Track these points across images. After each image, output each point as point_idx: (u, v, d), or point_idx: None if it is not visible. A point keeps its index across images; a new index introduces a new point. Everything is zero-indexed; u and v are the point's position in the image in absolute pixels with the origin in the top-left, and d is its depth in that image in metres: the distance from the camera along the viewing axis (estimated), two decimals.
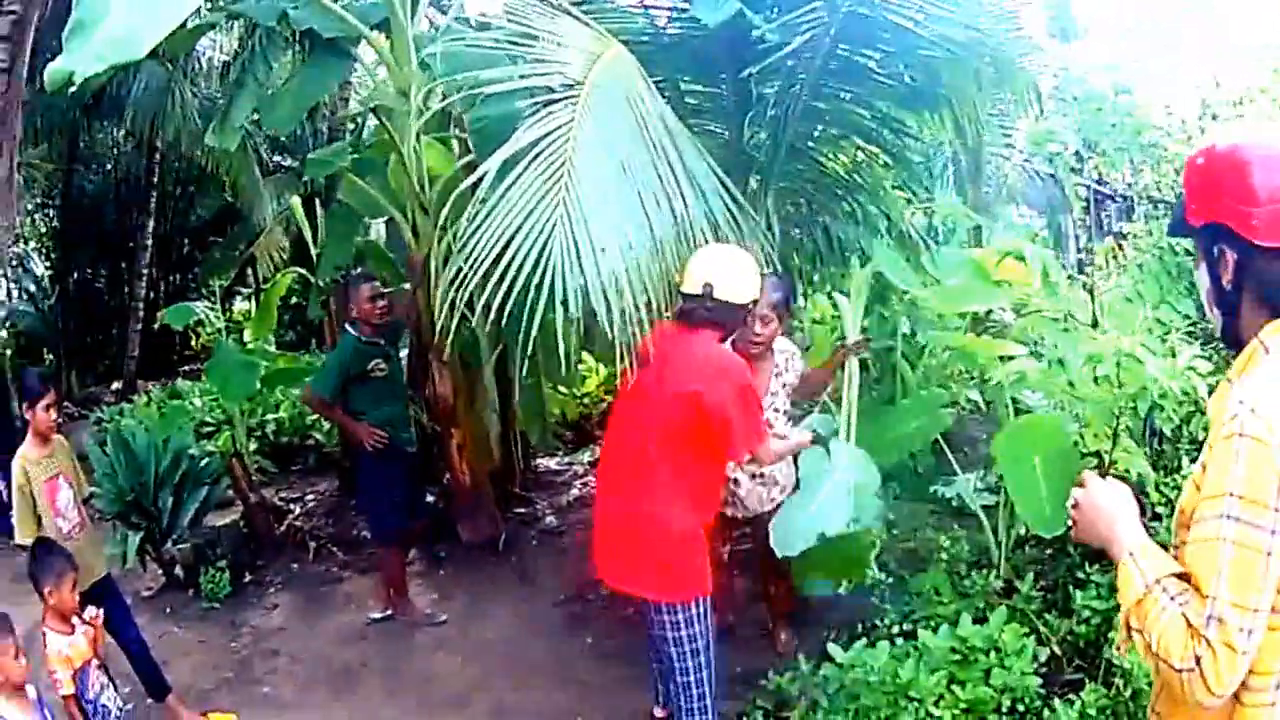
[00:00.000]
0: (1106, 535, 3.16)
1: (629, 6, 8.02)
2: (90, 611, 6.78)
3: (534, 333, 5.40)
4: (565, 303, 5.48)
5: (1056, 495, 6.76)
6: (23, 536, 7.52)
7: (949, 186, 11.08)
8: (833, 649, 6.78)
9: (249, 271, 22.37)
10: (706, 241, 6.39)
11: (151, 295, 23.42)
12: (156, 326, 19.08)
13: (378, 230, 14.22)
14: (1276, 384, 2.88)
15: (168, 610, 10.56)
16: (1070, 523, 3.36)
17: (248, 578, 11.20)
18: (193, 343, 25.49)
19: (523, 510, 12.18)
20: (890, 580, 7.79)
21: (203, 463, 11.51)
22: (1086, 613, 6.85)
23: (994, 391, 7.93)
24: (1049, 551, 7.94)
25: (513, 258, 5.43)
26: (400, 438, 9.75)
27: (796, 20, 6.75)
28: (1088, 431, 7.38)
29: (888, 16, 6.81)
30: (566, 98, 5.84)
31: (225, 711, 8.27)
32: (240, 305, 26.17)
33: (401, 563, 10.19)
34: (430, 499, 11.50)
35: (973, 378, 8.83)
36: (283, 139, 16.42)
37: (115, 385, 22.71)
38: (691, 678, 6.31)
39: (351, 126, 14.43)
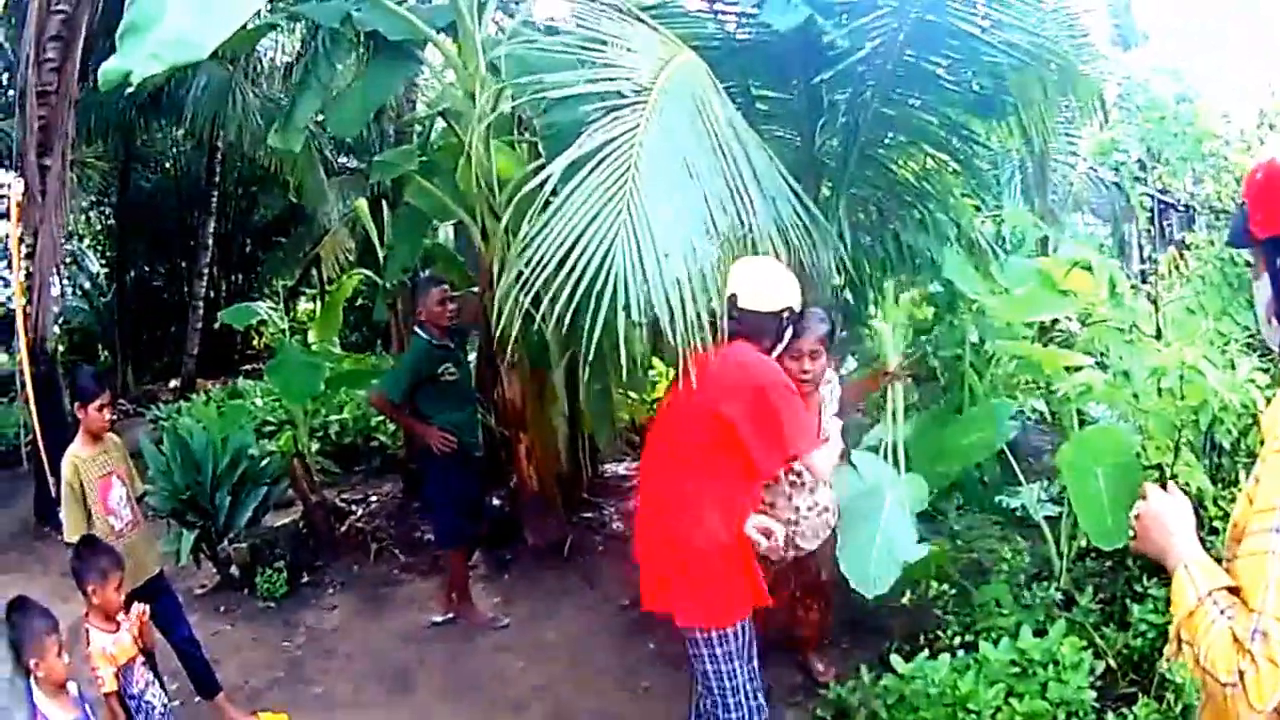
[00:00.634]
0: (1164, 546, 3.15)
1: (699, 11, 7.99)
2: (136, 608, 6.74)
3: (599, 337, 5.35)
4: (628, 307, 5.41)
5: (1118, 508, 6.75)
6: (71, 534, 7.49)
7: (1015, 194, 11.03)
8: (894, 660, 6.78)
9: (313, 272, 22.40)
10: (775, 248, 6.29)
11: (212, 294, 23.52)
12: (217, 326, 19.09)
13: (445, 233, 14.21)
14: None
15: (221, 609, 10.58)
16: (1131, 533, 3.33)
17: (305, 578, 11.17)
18: (254, 342, 25.58)
19: (589, 515, 12.16)
20: (953, 591, 7.77)
21: (262, 462, 11.53)
22: (1143, 626, 6.88)
23: (1059, 402, 7.89)
24: (1109, 564, 7.91)
25: (576, 262, 5.39)
26: (467, 441, 9.71)
27: (866, 26, 6.74)
28: (1150, 444, 7.34)
29: (955, 23, 6.76)
30: (633, 103, 5.81)
31: (276, 711, 8.25)
32: (304, 306, 26.24)
33: (465, 566, 10.15)
34: (496, 502, 11.53)
35: (1038, 388, 8.80)
36: (348, 140, 16.42)
37: (173, 383, 22.84)
38: (728, 712, 5.90)
39: (418, 129, 14.39)
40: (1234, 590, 2.84)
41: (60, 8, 12.77)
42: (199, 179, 23.36)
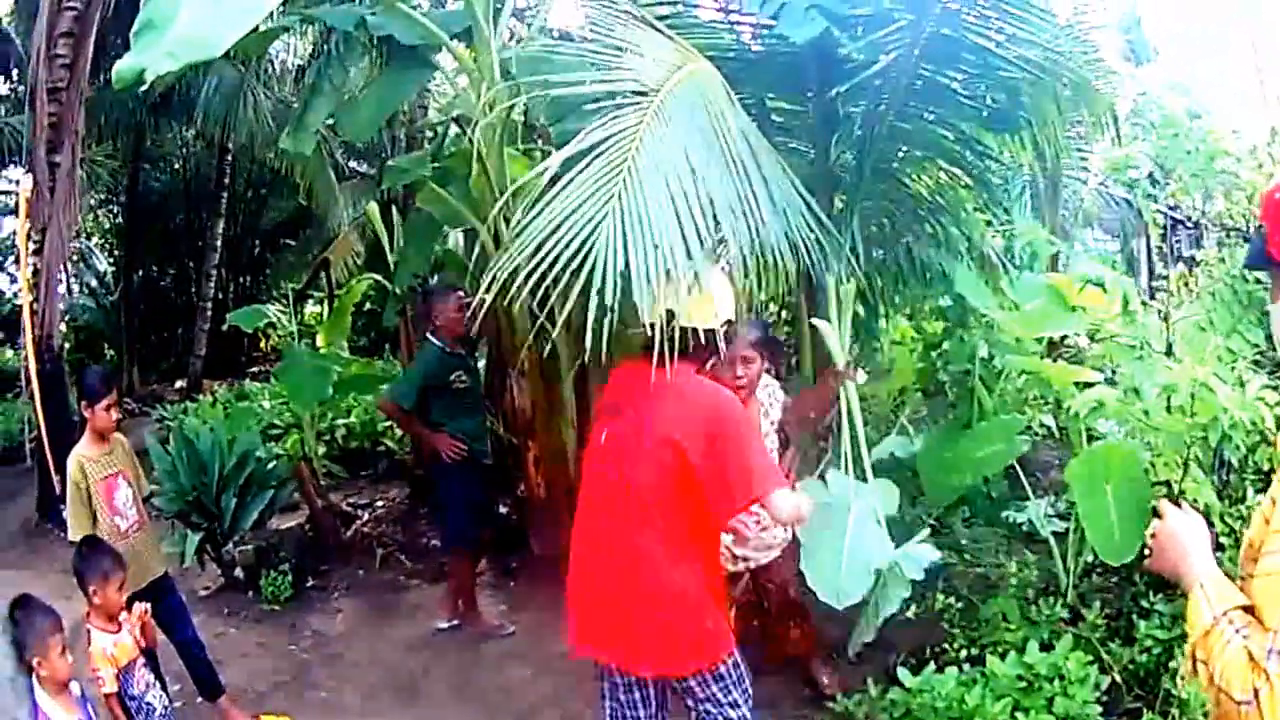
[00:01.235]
0: (1180, 565, 3.15)
1: (714, 22, 7.99)
2: (137, 608, 6.73)
3: (609, 345, 5.31)
4: (613, 307, 5.29)
5: (1127, 524, 6.75)
6: (75, 533, 7.51)
7: (1026, 210, 11.04)
8: (901, 673, 6.78)
9: (321, 276, 22.47)
10: (783, 259, 6.18)
11: (220, 295, 23.58)
12: (225, 327, 19.12)
13: (455, 239, 14.23)
14: None
15: (225, 611, 10.58)
16: (1147, 551, 3.36)
17: (310, 582, 11.19)
18: (261, 344, 25.63)
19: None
20: (960, 605, 7.77)
21: (269, 465, 11.55)
22: (1149, 642, 6.85)
23: (1068, 418, 7.89)
24: (1115, 580, 7.89)
25: (557, 252, 5.32)
26: (477, 449, 9.72)
27: (882, 40, 6.74)
28: (1159, 460, 7.34)
29: (970, 37, 6.76)
30: (636, 103, 5.76)
31: (280, 714, 8.20)
32: (312, 309, 26.29)
33: (472, 573, 10.16)
34: (503, 510, 11.53)
35: (1048, 403, 8.79)
36: (359, 145, 16.44)
37: (179, 384, 22.89)
38: None
39: (430, 135, 14.40)
40: (1249, 609, 2.85)
41: (72, 5, 12.79)
42: (209, 180, 23.43)
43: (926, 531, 6.83)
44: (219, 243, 22.71)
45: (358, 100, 10.85)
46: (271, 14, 8.42)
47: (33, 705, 5.64)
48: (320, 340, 15.36)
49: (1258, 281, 8.60)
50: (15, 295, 25.01)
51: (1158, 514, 3.31)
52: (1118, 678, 6.83)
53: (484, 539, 10.37)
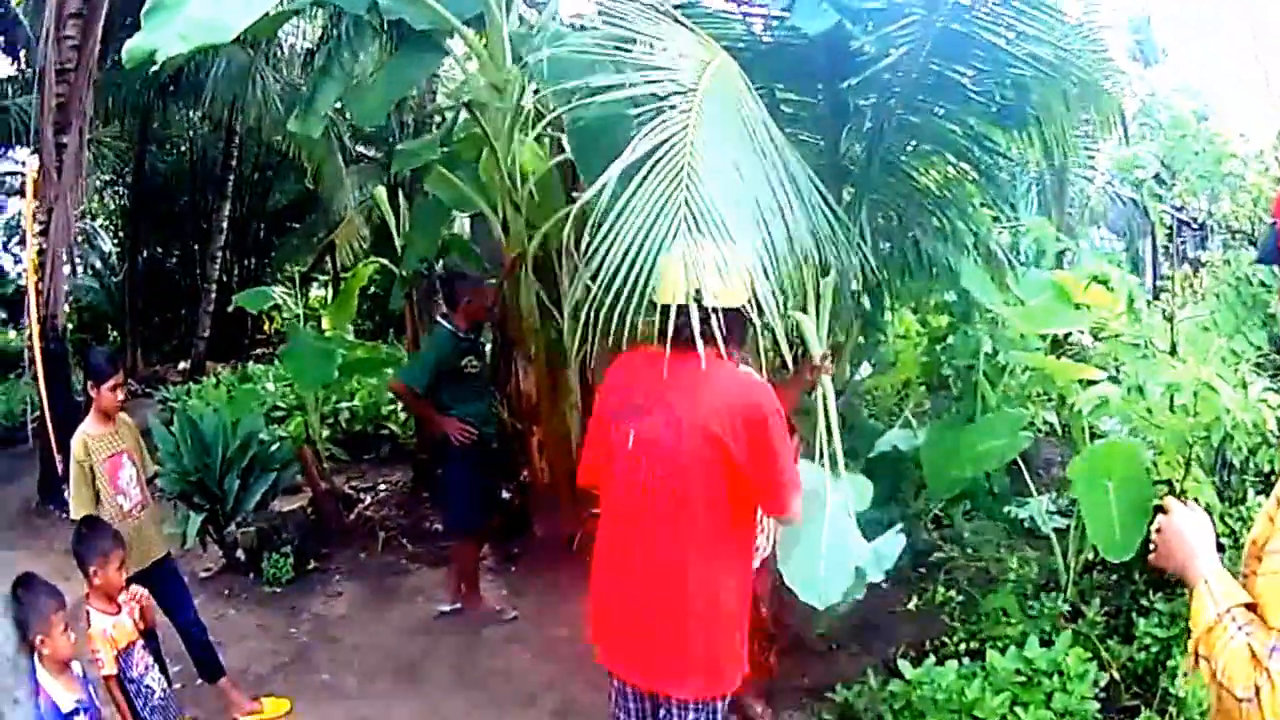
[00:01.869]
0: (1184, 562, 3.17)
1: (725, 12, 7.97)
2: (134, 589, 6.76)
3: (617, 330, 5.21)
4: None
5: (1128, 521, 6.77)
6: (77, 512, 7.48)
7: (1033, 206, 11.04)
8: (902, 665, 6.80)
9: (326, 259, 22.47)
10: (808, 255, 6.08)
11: (224, 278, 23.60)
12: (229, 309, 19.13)
13: (461, 224, 14.22)
14: None
15: (226, 593, 10.61)
16: (1151, 547, 3.35)
17: (312, 565, 11.21)
18: (265, 327, 25.63)
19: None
20: (960, 599, 7.79)
21: (272, 447, 11.57)
22: (1148, 640, 6.91)
23: (1071, 415, 7.91)
24: (1115, 577, 7.93)
25: (642, 266, 5.16)
26: (485, 433, 9.76)
27: (894, 33, 6.73)
28: (1161, 459, 7.35)
29: (981, 34, 6.75)
30: (680, 105, 5.69)
31: (280, 697, 8.28)
32: (316, 292, 26.32)
33: (475, 557, 10.18)
34: (506, 495, 11.54)
35: (1051, 400, 8.81)
36: (366, 129, 16.45)
37: (182, 365, 22.90)
38: None
39: (439, 119, 14.41)
40: (1252, 607, 2.88)
41: None
42: (215, 162, 23.47)
43: (898, 527, 6.68)
44: (224, 225, 22.79)
45: (367, 84, 10.83)
46: None
47: (34, 684, 5.63)
48: (326, 323, 15.35)
49: (1262, 284, 8.62)
50: (20, 276, 25.05)
51: (1162, 510, 3.33)
52: (1116, 675, 6.87)
53: (488, 524, 10.40)
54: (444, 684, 8.59)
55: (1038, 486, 8.34)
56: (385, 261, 13.45)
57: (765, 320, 5.21)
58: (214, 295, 22.50)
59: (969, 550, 8.41)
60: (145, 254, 25.96)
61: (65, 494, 7.90)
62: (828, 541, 6.15)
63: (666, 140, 5.38)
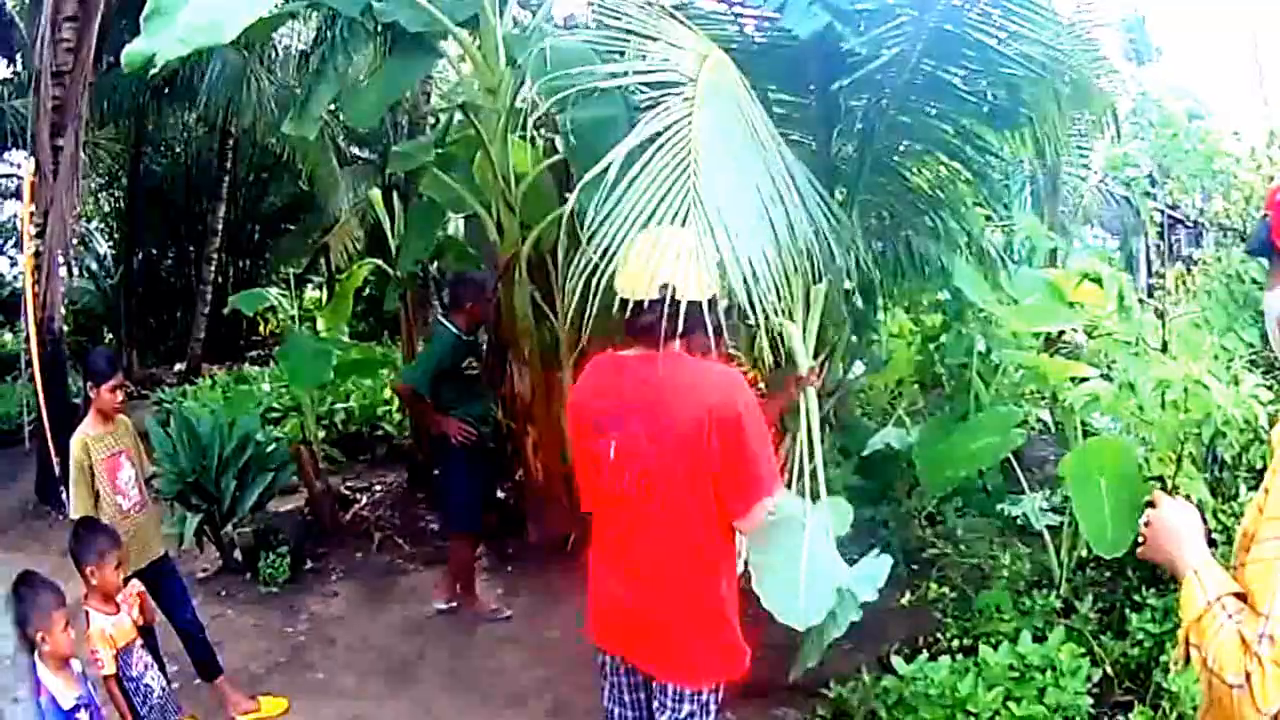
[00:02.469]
0: (1174, 553, 3.20)
1: (717, 12, 7.98)
2: (132, 585, 6.78)
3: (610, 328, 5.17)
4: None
5: (1120, 518, 6.80)
6: (76, 512, 7.53)
7: (1026, 206, 11.07)
8: (895, 661, 6.83)
9: (321, 260, 22.49)
10: (805, 250, 5.98)
11: (220, 279, 23.62)
12: (225, 311, 19.15)
13: (456, 225, 14.25)
14: None
15: (223, 593, 10.67)
16: (1140, 539, 3.38)
17: (308, 565, 11.27)
18: (260, 329, 25.65)
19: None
20: (953, 595, 7.83)
21: (269, 448, 11.59)
22: (1141, 635, 6.93)
23: (1064, 412, 7.94)
24: (1108, 573, 7.95)
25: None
26: (483, 433, 9.80)
27: (885, 34, 6.75)
28: (1152, 455, 7.37)
29: (973, 34, 6.77)
30: (680, 93, 5.68)
31: (277, 696, 8.32)
32: (311, 294, 26.30)
33: (472, 556, 10.22)
34: (501, 496, 11.57)
35: (1044, 397, 8.84)
36: (361, 131, 16.48)
37: (178, 367, 22.91)
38: None
39: (434, 121, 14.43)
40: (1241, 596, 2.91)
41: None
42: (210, 164, 23.47)
43: (878, 550, 6.63)
44: (220, 227, 22.78)
45: (361, 86, 10.88)
46: None
47: (35, 680, 5.66)
48: (321, 325, 15.40)
49: (1254, 282, 8.66)
50: (16, 278, 25.06)
51: (1152, 504, 3.37)
52: (1109, 670, 6.90)
53: (485, 524, 10.44)
54: (438, 683, 8.63)
55: (1030, 484, 8.36)
56: (380, 263, 13.49)
57: (746, 316, 5.18)
58: (209, 297, 22.49)
59: (962, 547, 8.43)
60: (141, 256, 25.99)
61: (63, 495, 7.93)
62: (808, 565, 6.13)
63: (671, 125, 5.37)
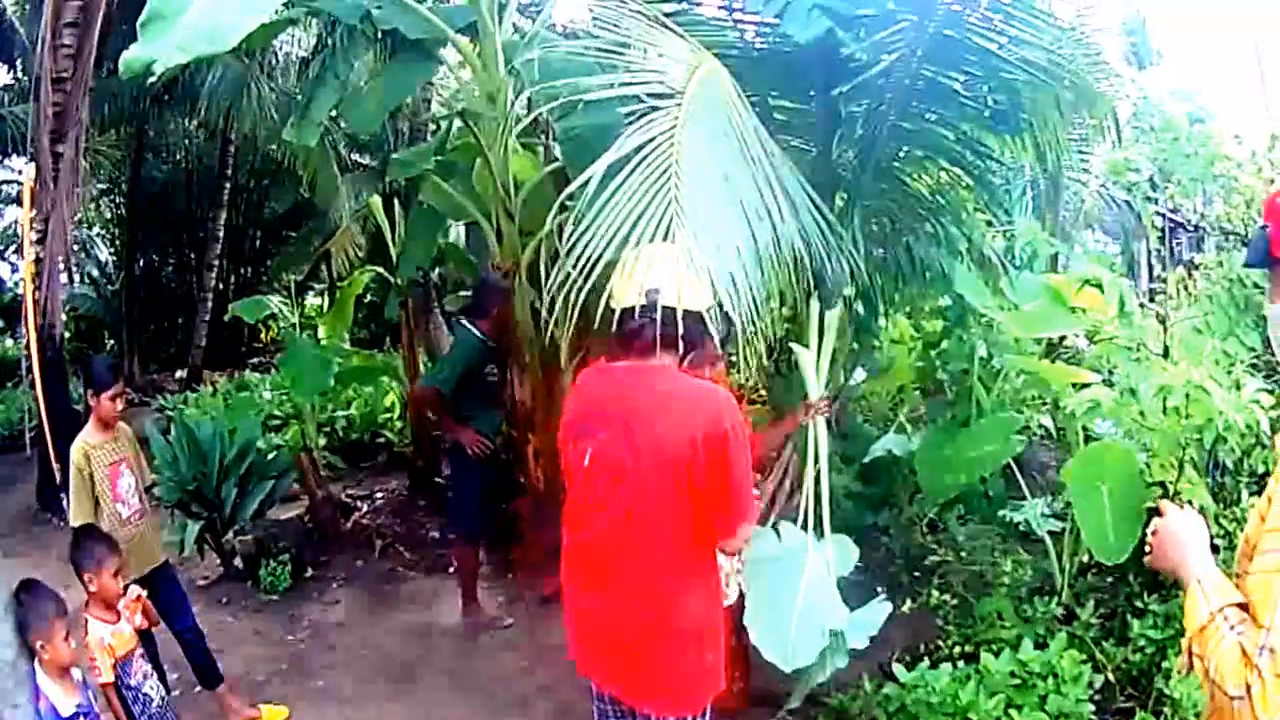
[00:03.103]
0: (1179, 562, 3.22)
1: (717, 19, 7.97)
2: (132, 590, 6.78)
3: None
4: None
5: (1122, 524, 6.81)
6: (77, 520, 7.52)
7: (1027, 211, 11.06)
8: (896, 669, 6.81)
9: (322, 267, 22.49)
10: (800, 258, 6.04)
11: (221, 286, 23.60)
12: (226, 318, 19.15)
13: (456, 232, 14.23)
14: None
15: (224, 600, 10.66)
16: (1146, 549, 3.41)
17: (309, 572, 11.26)
18: (262, 335, 25.66)
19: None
20: (954, 602, 7.81)
21: (269, 456, 11.60)
22: (1142, 641, 6.94)
23: (1065, 418, 7.92)
24: (1110, 580, 7.95)
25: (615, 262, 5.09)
26: (496, 445, 9.88)
27: (885, 40, 6.74)
28: (1154, 461, 7.37)
29: (973, 39, 6.76)
30: (666, 106, 5.66)
31: (277, 703, 8.32)
32: (312, 301, 26.28)
33: (476, 562, 10.19)
34: (503, 504, 11.57)
35: (1045, 403, 8.83)
36: (361, 137, 16.46)
37: (179, 374, 22.92)
38: None
39: (434, 128, 14.42)
40: (1244, 607, 2.91)
41: None
42: (211, 170, 23.43)
43: (882, 597, 6.57)
44: (221, 233, 22.76)
45: (362, 93, 10.86)
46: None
47: (34, 688, 5.66)
48: (322, 332, 15.40)
49: (1255, 286, 8.65)
50: (17, 285, 25.04)
51: (1158, 513, 3.37)
52: (1111, 676, 6.90)
53: (491, 532, 10.51)
54: (439, 689, 8.63)
55: (1032, 490, 8.34)
56: (381, 270, 13.48)
57: (741, 327, 5.14)
58: (210, 304, 22.48)
59: (963, 554, 8.41)
60: (142, 263, 25.95)
61: (64, 502, 7.90)
62: (802, 604, 6.11)
63: (653, 139, 5.36)
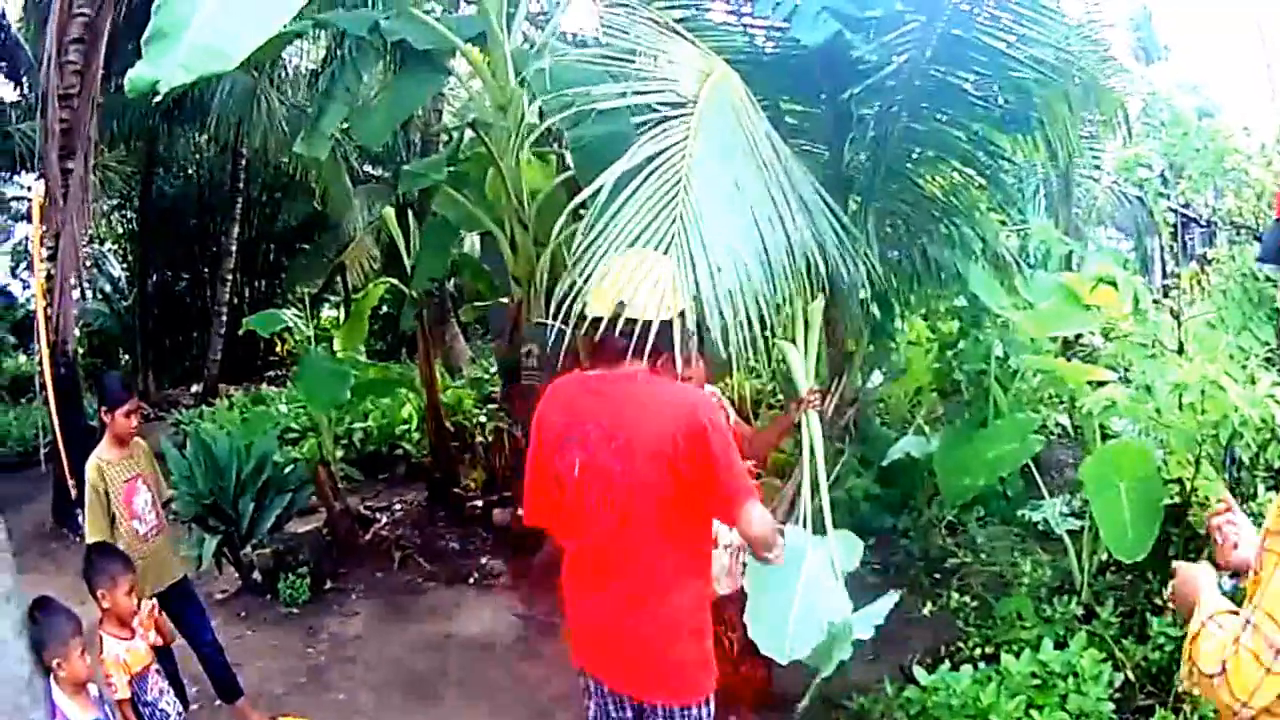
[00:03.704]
0: (1194, 600, 3.35)
1: (727, 24, 7.97)
2: (146, 604, 6.79)
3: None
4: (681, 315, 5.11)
5: (1140, 522, 6.79)
6: (92, 537, 7.50)
7: (1040, 209, 11.04)
8: (917, 671, 6.80)
9: (337, 280, 22.50)
10: (813, 262, 5.99)
11: (235, 300, 23.60)
12: (240, 332, 19.19)
13: (470, 242, 14.24)
14: None
15: (243, 614, 10.65)
16: (1171, 592, 3.68)
17: (328, 585, 11.25)
18: (277, 349, 25.65)
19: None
20: (974, 603, 7.79)
21: (286, 469, 11.57)
22: (1162, 639, 6.90)
23: (1082, 416, 7.90)
24: (1129, 578, 7.90)
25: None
26: None
27: (895, 42, 6.75)
28: (1171, 458, 7.35)
29: (982, 39, 6.77)
30: (679, 115, 5.65)
31: (297, 717, 8.26)
32: (328, 313, 26.30)
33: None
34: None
35: (1062, 402, 8.81)
36: (373, 149, 16.48)
37: (194, 388, 22.90)
38: None
39: (445, 139, 14.43)
40: (1236, 612, 3.00)
41: (82, 10, 12.80)
42: (223, 185, 23.49)
43: (893, 593, 6.51)
44: (234, 247, 22.74)
45: (372, 105, 10.86)
46: None
47: (50, 705, 5.66)
48: (338, 344, 15.38)
49: (1268, 279, 8.61)
50: (29, 301, 25.07)
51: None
52: (1131, 675, 6.87)
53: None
54: (460, 701, 8.62)
55: (1050, 489, 8.34)
56: (395, 281, 13.48)
57: (748, 333, 5.17)
58: (225, 318, 22.46)
59: (983, 555, 8.40)
60: (155, 277, 25.98)
61: (79, 518, 7.91)
62: (802, 599, 6.06)
63: (665, 150, 5.37)
